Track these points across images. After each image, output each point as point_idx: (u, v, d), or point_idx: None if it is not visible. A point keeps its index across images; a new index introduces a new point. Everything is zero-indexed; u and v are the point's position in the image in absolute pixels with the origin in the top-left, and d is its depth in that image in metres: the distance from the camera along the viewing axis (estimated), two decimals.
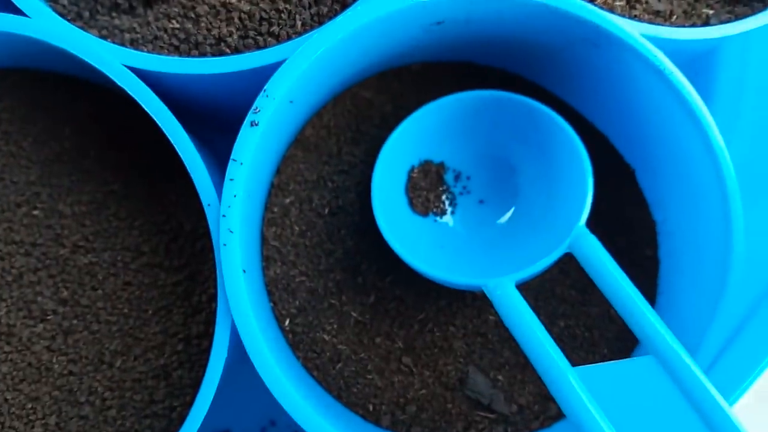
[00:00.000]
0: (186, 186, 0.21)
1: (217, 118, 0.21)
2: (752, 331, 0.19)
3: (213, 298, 0.20)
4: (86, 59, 0.17)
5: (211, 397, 0.17)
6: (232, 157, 0.17)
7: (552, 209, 0.21)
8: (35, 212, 0.20)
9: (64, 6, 0.20)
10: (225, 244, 0.17)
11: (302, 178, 0.22)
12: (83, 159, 0.21)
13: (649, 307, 0.17)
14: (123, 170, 0.21)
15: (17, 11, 0.19)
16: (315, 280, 0.22)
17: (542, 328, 0.18)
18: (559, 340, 0.22)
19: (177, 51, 0.19)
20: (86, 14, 0.20)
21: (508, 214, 0.22)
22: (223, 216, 0.17)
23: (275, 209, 0.22)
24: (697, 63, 0.29)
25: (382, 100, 0.24)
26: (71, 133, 0.21)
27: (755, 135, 0.27)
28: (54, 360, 0.19)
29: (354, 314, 0.21)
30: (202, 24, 0.19)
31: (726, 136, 0.28)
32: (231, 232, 0.17)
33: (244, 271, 0.18)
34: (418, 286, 0.21)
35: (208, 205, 0.17)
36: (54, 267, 0.20)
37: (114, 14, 0.20)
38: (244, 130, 0.17)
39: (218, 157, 0.22)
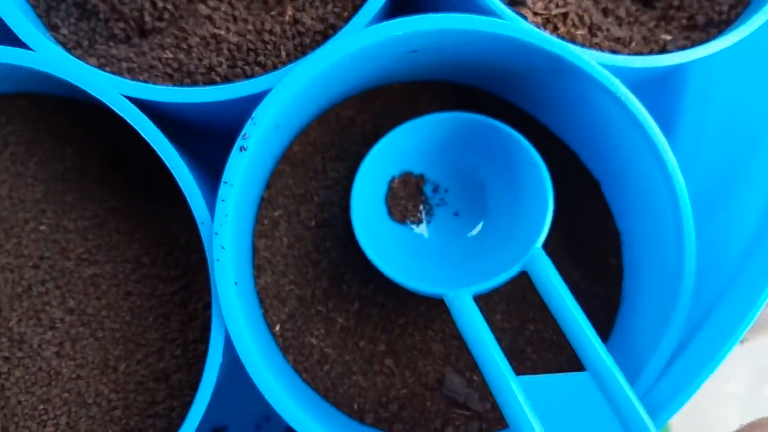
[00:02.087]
0: (180, 202, 0.22)
1: (210, 136, 0.22)
2: (701, 342, 0.21)
3: (208, 306, 0.22)
4: (88, 90, 0.19)
5: (208, 399, 0.19)
6: (223, 179, 0.19)
7: (514, 228, 0.22)
8: (42, 227, 0.22)
9: (64, 35, 0.22)
10: (218, 260, 0.19)
11: (290, 193, 0.24)
12: (85, 178, 0.22)
13: (592, 329, 0.19)
14: (122, 188, 0.22)
15: (21, 42, 0.20)
16: (303, 288, 0.23)
17: (492, 338, 0.19)
18: (528, 342, 0.23)
19: (171, 79, 0.20)
20: (85, 43, 0.21)
21: (478, 228, 0.24)
22: (216, 234, 0.19)
23: (265, 221, 0.24)
24: (666, 78, 0.30)
25: (363, 119, 0.25)
26: (73, 153, 0.22)
27: (721, 144, 0.29)
28: (63, 365, 0.21)
29: (339, 320, 0.23)
30: (194, 54, 0.20)
31: (693, 145, 0.29)
32: (223, 248, 0.19)
33: (236, 283, 0.19)
34: (399, 293, 0.23)
35: (202, 223, 0.19)
36: (60, 278, 0.21)
37: (111, 44, 0.21)
38: (234, 155, 0.19)
39: (212, 168, 0.23)
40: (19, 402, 0.21)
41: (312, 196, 0.24)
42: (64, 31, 0.21)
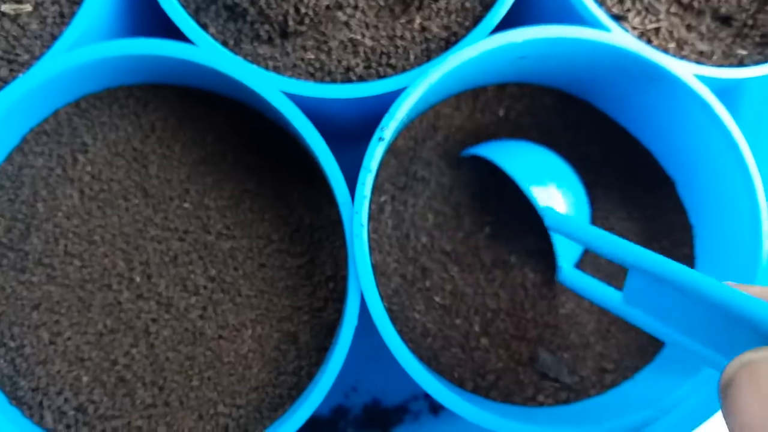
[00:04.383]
0: (306, 186, 0.25)
1: (332, 131, 0.25)
2: None
3: (330, 278, 0.24)
4: (249, 85, 0.22)
5: (345, 354, 0.21)
6: (363, 165, 0.22)
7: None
8: (186, 205, 0.24)
9: (213, 34, 0.24)
10: (357, 235, 0.21)
11: (394, 180, 0.27)
12: (223, 162, 0.25)
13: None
14: (255, 172, 0.25)
15: (153, 33, 0.22)
16: (404, 267, 0.26)
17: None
18: (613, 323, 0.26)
19: (312, 77, 0.23)
20: (231, 42, 0.24)
21: None
22: (356, 213, 0.21)
23: (373, 206, 0.26)
24: (725, 93, 0.33)
25: (460, 116, 0.28)
26: (213, 140, 0.25)
27: None
28: (206, 326, 0.23)
29: (436, 299, 0.26)
30: (334, 56, 0.23)
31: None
32: (362, 225, 0.21)
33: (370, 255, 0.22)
34: (488, 279, 0.26)
35: (343, 203, 0.22)
36: (203, 250, 0.24)
37: (255, 44, 0.24)
38: (373, 144, 0.22)
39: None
40: (167, 358, 0.23)
41: (412, 183, 0.27)
42: (212, 30, 0.24)
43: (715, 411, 0.25)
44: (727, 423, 0.13)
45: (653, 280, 0.19)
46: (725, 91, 0.32)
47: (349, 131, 0.26)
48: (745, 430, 0.12)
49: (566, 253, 0.24)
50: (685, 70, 0.22)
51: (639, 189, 0.27)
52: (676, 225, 0.27)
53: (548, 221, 0.23)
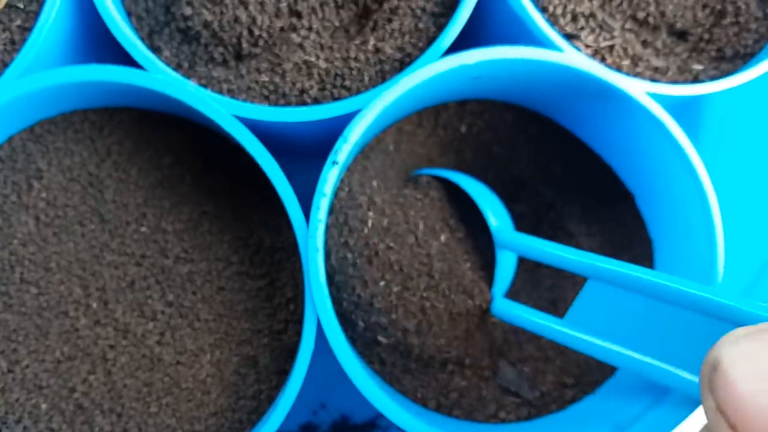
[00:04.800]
0: (265, 207, 0.25)
1: (291, 149, 0.25)
2: None
3: (290, 300, 0.24)
4: (202, 111, 0.21)
5: (301, 381, 0.21)
6: (318, 190, 0.21)
7: None
8: (143, 229, 0.24)
9: (167, 57, 0.24)
10: (312, 260, 0.21)
11: (352, 202, 0.27)
12: (180, 185, 0.25)
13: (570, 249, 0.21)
14: (213, 194, 0.25)
15: (111, 58, 0.22)
16: (363, 288, 0.26)
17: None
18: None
19: (267, 100, 0.23)
20: (185, 65, 0.24)
21: None
22: (311, 237, 0.21)
23: (332, 229, 0.26)
24: (685, 107, 0.33)
25: (422, 133, 0.28)
26: (170, 162, 0.25)
27: (735, 164, 0.32)
28: (164, 352, 0.23)
29: (390, 318, 0.26)
30: (288, 78, 0.23)
31: (708, 165, 0.33)
32: (317, 249, 0.21)
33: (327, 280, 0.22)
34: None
35: (298, 227, 0.22)
36: (160, 275, 0.24)
37: (210, 66, 0.24)
38: (327, 168, 0.22)
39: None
40: (125, 385, 0.23)
41: (371, 204, 0.27)
42: (167, 53, 0.24)
43: (678, 422, 0.25)
44: (711, 410, 0.12)
45: (615, 292, 0.19)
46: (685, 104, 0.33)
47: (309, 150, 0.26)
48: (742, 408, 0.11)
49: (501, 283, 0.24)
50: (637, 88, 0.22)
51: (599, 203, 0.27)
52: (636, 239, 0.27)
53: (500, 239, 0.23)
